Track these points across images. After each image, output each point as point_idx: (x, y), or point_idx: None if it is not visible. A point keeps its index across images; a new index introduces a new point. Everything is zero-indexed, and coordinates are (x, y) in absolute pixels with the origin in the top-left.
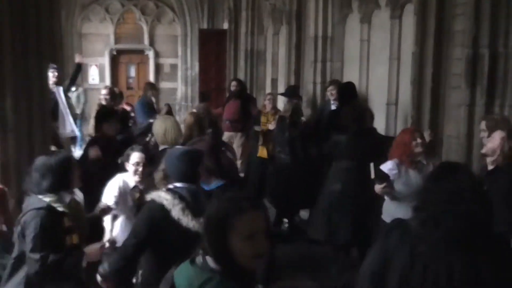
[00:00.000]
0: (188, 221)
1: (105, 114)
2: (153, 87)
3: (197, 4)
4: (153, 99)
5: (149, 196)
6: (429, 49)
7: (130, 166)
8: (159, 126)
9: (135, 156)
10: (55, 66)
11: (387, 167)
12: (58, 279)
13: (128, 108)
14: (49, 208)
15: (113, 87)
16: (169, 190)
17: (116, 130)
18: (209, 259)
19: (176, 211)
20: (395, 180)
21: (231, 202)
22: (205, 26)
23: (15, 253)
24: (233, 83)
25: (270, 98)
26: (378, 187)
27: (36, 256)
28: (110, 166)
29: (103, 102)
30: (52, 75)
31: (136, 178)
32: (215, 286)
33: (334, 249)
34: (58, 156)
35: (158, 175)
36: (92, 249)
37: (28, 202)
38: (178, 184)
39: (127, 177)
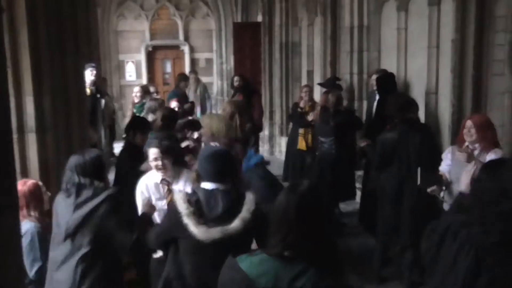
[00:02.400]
0: (193, 228)
1: (142, 124)
2: (185, 78)
3: None
4: (186, 90)
5: (174, 195)
6: (470, 35)
7: (151, 163)
8: (208, 123)
9: (151, 153)
10: (93, 64)
11: (445, 152)
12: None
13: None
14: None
15: (146, 85)
16: (192, 191)
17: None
18: (295, 251)
19: (185, 216)
20: (450, 165)
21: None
22: (239, 19)
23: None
24: (236, 78)
25: (307, 91)
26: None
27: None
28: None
29: (136, 100)
30: (90, 74)
31: (160, 172)
32: (310, 278)
33: (378, 242)
34: (92, 153)
35: (192, 175)
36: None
37: (83, 195)
38: (204, 185)
39: (150, 176)
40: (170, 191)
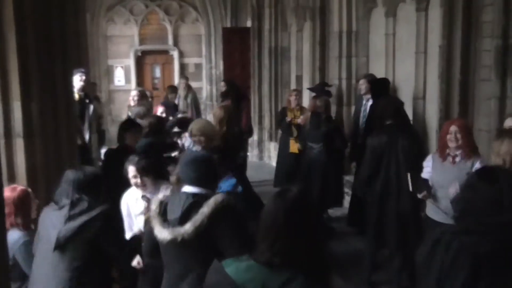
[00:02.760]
0: (157, 230)
1: (129, 125)
2: (174, 90)
3: (220, 3)
4: (176, 101)
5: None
6: (457, 41)
7: (130, 180)
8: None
9: (130, 170)
10: (82, 70)
11: (426, 160)
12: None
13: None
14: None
15: (144, 90)
16: (168, 196)
17: (137, 140)
18: (283, 259)
19: (152, 217)
20: (431, 172)
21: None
22: (228, 24)
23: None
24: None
25: (296, 95)
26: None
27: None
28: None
29: (132, 104)
30: (79, 79)
31: (140, 189)
32: (298, 285)
33: (367, 247)
34: (87, 171)
35: (172, 178)
36: None
37: (76, 212)
38: (185, 188)
39: (132, 191)
40: (148, 208)
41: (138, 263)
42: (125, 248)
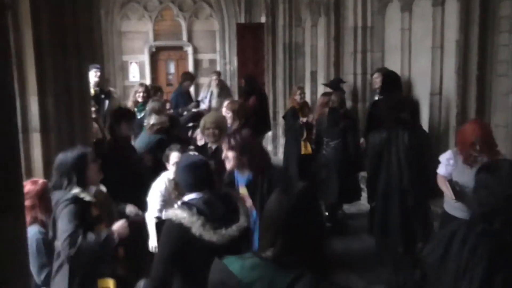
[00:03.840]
0: (210, 235)
1: (126, 114)
2: (190, 77)
3: None
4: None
5: (166, 215)
6: (474, 36)
7: (170, 166)
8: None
9: (174, 156)
10: (98, 66)
11: (445, 157)
12: (95, 262)
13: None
14: (75, 199)
15: (148, 84)
16: (184, 204)
17: (131, 130)
18: (292, 257)
19: (196, 227)
20: (453, 170)
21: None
22: (242, 20)
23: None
24: (242, 81)
25: (301, 93)
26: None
27: (67, 240)
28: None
29: (140, 100)
30: (94, 75)
31: None
32: (307, 283)
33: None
34: (74, 153)
35: (170, 184)
36: (118, 226)
37: (54, 197)
38: (191, 195)
39: (170, 176)
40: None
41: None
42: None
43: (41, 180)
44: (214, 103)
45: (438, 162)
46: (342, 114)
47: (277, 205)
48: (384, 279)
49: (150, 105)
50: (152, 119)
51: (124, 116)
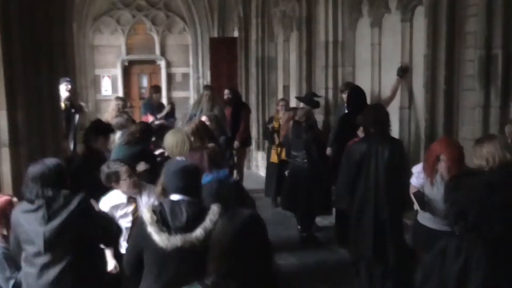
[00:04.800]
0: (156, 236)
1: (105, 129)
2: (158, 90)
3: (207, 13)
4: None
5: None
6: (441, 51)
7: (122, 182)
8: (169, 139)
9: (124, 171)
10: (68, 79)
11: (416, 169)
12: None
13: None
14: None
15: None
16: (159, 203)
17: (106, 145)
18: (228, 280)
19: (149, 225)
20: (423, 184)
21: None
22: (215, 34)
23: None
24: (226, 91)
25: (283, 104)
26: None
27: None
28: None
29: (120, 109)
30: (65, 88)
31: (129, 191)
32: None
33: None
34: (51, 163)
35: (157, 189)
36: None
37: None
38: (172, 196)
39: (112, 196)
40: (136, 209)
41: (115, 267)
42: (114, 231)
43: (3, 197)
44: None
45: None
46: (305, 127)
47: (222, 231)
48: None
49: (115, 121)
50: (118, 134)
51: (102, 131)
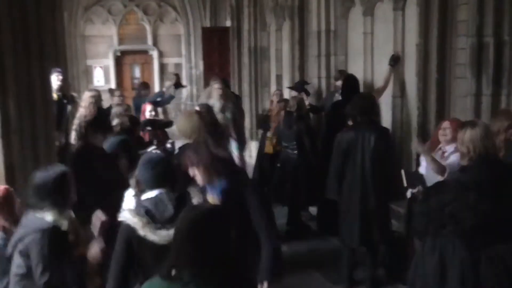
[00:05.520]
0: (152, 235)
1: (105, 126)
2: (145, 87)
3: (199, 3)
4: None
5: (120, 216)
6: (433, 40)
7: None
8: (183, 123)
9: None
10: (59, 69)
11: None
12: None
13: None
14: (54, 229)
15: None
16: (136, 205)
17: (103, 141)
18: (184, 272)
19: (140, 228)
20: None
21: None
22: (207, 24)
23: (20, 269)
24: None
25: (278, 94)
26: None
27: (45, 277)
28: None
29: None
30: (56, 79)
31: None
32: None
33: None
34: (55, 173)
35: (132, 182)
36: (93, 253)
37: (29, 219)
38: (148, 194)
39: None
40: None
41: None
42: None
43: (2, 186)
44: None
45: (401, 165)
46: (296, 117)
47: (179, 224)
48: (352, 281)
49: (113, 110)
50: (115, 122)
51: (102, 128)
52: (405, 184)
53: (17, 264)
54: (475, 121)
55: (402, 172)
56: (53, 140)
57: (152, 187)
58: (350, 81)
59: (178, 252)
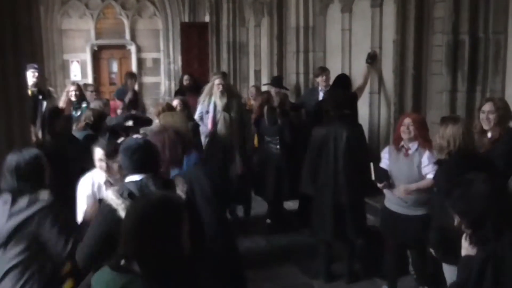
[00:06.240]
0: None
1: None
2: (132, 76)
3: None
4: (133, 87)
5: (102, 195)
6: (410, 36)
7: (96, 162)
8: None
9: (97, 152)
10: (35, 66)
11: (384, 151)
12: None
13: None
14: (53, 203)
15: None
16: (120, 187)
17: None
18: (132, 262)
19: (121, 210)
20: (388, 164)
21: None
22: (186, 19)
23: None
24: (185, 77)
25: (254, 89)
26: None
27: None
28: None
29: (73, 98)
30: (32, 75)
31: (103, 173)
32: None
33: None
34: (30, 154)
35: (115, 166)
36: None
37: (20, 202)
38: (131, 177)
39: (96, 174)
40: None
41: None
42: (70, 243)
43: None
44: (220, 123)
45: (371, 160)
46: (280, 113)
47: (128, 212)
48: (331, 274)
49: (92, 104)
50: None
51: (59, 116)
52: (373, 177)
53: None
54: (457, 117)
55: (371, 165)
56: (29, 136)
57: (132, 173)
58: (341, 80)
59: (126, 242)
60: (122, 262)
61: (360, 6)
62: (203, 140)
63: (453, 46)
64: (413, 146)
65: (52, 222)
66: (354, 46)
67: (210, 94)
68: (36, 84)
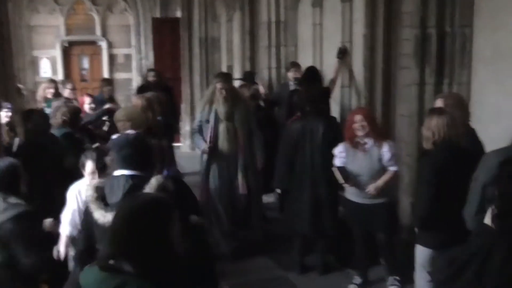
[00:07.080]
0: (98, 215)
1: (34, 114)
2: (108, 83)
3: None
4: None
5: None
6: (379, 31)
7: (86, 175)
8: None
9: (89, 166)
10: (9, 105)
11: (338, 150)
12: None
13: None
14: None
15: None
16: (102, 181)
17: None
18: (123, 263)
19: (95, 211)
20: (345, 162)
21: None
22: (158, 15)
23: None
24: (151, 73)
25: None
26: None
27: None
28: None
29: (49, 96)
30: (5, 115)
31: None
32: None
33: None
34: (5, 162)
35: (108, 162)
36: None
37: None
38: (115, 172)
39: (84, 184)
40: None
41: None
42: (42, 253)
43: None
44: (222, 135)
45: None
46: (254, 107)
47: (117, 212)
48: (305, 266)
49: (54, 103)
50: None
51: (33, 116)
52: (341, 181)
53: None
54: (442, 109)
55: (334, 171)
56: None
57: (121, 168)
58: (311, 72)
59: (115, 242)
60: (112, 262)
61: (331, 1)
62: (200, 157)
63: (421, 39)
64: (369, 140)
65: (22, 235)
66: (325, 40)
67: (212, 101)
68: (9, 123)
